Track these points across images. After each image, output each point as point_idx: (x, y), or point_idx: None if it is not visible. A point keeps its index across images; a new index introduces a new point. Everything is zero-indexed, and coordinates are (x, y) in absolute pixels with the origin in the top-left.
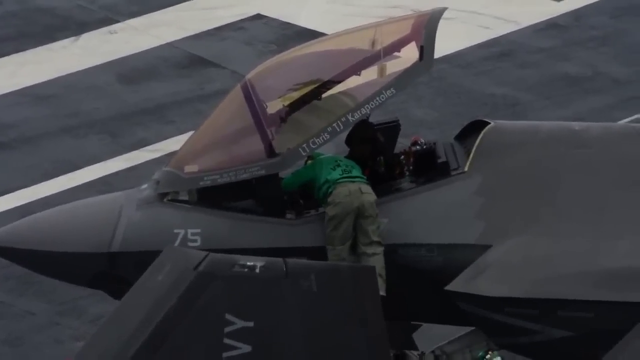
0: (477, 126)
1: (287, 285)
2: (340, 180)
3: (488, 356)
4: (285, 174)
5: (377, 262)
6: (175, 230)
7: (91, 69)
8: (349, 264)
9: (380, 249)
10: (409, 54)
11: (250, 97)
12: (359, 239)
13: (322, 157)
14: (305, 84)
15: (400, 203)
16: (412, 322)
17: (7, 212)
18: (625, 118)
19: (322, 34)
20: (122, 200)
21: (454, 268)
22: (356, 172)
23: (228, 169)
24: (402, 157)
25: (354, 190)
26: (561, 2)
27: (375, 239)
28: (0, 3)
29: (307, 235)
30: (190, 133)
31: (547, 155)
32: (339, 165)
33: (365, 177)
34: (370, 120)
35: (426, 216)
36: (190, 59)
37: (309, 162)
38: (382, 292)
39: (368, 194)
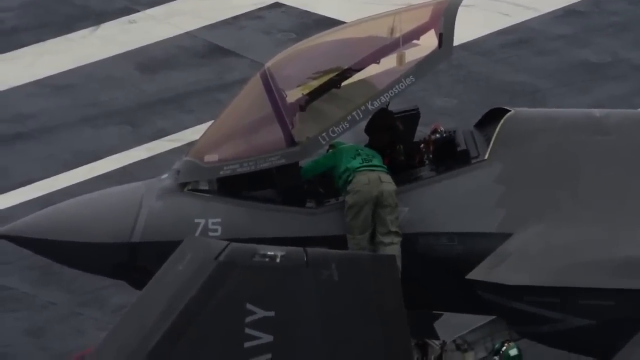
0: (496, 114)
1: (307, 275)
2: (360, 169)
3: (504, 348)
4: (305, 162)
5: (394, 251)
6: (196, 220)
7: (110, 58)
8: (370, 254)
9: (397, 239)
10: (428, 42)
11: (269, 85)
12: (377, 228)
13: (342, 146)
14: (325, 73)
15: (420, 192)
16: (433, 311)
17: (27, 203)
18: None
19: (341, 22)
20: (143, 190)
21: (475, 257)
22: (376, 161)
23: (248, 158)
24: (422, 145)
25: (373, 179)
26: None
27: (393, 228)
28: None
29: (327, 224)
30: (209, 122)
31: (567, 142)
32: (359, 154)
33: (385, 167)
34: (390, 108)
35: (446, 205)
36: (209, 48)
37: (330, 151)
38: None
39: (387, 182)
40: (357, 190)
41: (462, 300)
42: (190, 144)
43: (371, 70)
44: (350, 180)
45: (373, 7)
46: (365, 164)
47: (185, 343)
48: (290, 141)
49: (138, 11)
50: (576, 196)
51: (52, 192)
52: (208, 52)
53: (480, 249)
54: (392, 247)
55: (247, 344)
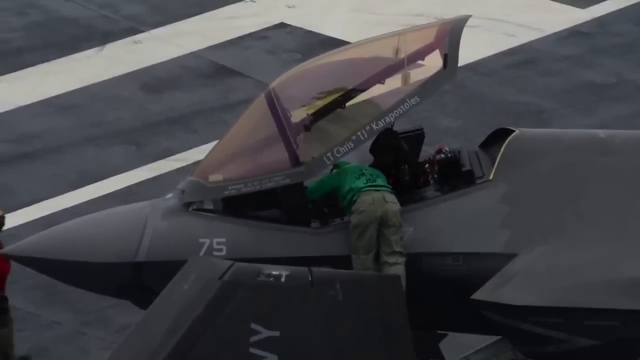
0: (501, 134)
1: (312, 295)
2: (365, 189)
3: None
4: (309, 182)
5: (398, 272)
6: (201, 240)
7: (115, 78)
8: (375, 273)
9: (402, 259)
10: (433, 62)
11: (274, 106)
12: (382, 248)
13: (347, 166)
14: (329, 93)
15: (425, 212)
16: (438, 332)
17: (33, 223)
18: None
19: (345, 43)
20: (148, 209)
21: (480, 277)
22: (381, 181)
23: (253, 178)
24: (427, 165)
25: (377, 199)
26: (585, 10)
27: (398, 249)
28: (25, 13)
29: (332, 244)
30: (214, 142)
31: (572, 163)
32: (363, 174)
33: (389, 186)
34: (395, 128)
35: (451, 225)
36: (214, 68)
37: (334, 170)
38: None
39: (392, 203)
40: (361, 210)
41: (467, 320)
42: (195, 164)
43: (376, 90)
44: (355, 201)
45: (378, 27)
46: (369, 184)
47: None
48: (295, 161)
49: (143, 31)
50: (581, 216)
51: (57, 212)
52: (213, 72)
53: (485, 269)
54: (397, 267)
55: None
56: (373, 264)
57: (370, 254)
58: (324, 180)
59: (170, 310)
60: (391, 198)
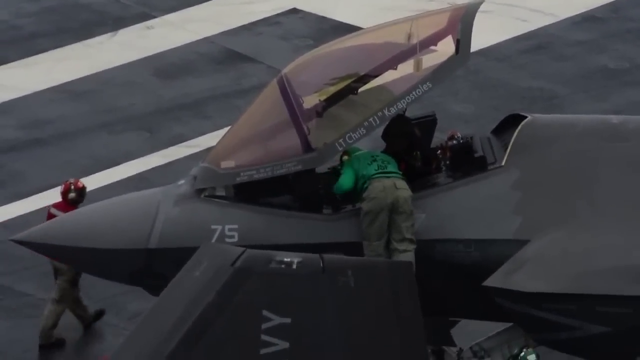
0: (514, 120)
1: (324, 281)
2: (376, 176)
3: (523, 353)
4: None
5: (408, 259)
6: (213, 226)
7: (128, 64)
8: (386, 260)
9: (412, 247)
10: (446, 48)
11: (286, 92)
12: (392, 235)
13: (358, 153)
14: (342, 79)
15: (437, 198)
16: (450, 318)
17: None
18: None
19: (358, 28)
20: (160, 196)
21: (492, 263)
22: (392, 167)
23: (265, 165)
24: (439, 151)
25: (388, 186)
26: None
27: (408, 236)
28: None
29: (344, 231)
30: (226, 128)
31: (585, 149)
32: (375, 161)
33: (401, 173)
34: (407, 114)
35: (463, 211)
36: (226, 54)
37: (345, 157)
38: None
39: (403, 189)
40: (372, 197)
41: (479, 306)
42: (208, 150)
43: (388, 76)
44: (366, 188)
45: (390, 13)
46: (380, 170)
47: (201, 349)
48: (307, 147)
49: (155, 17)
50: (594, 203)
51: None
52: (225, 58)
53: (498, 256)
54: (406, 254)
55: (263, 351)
56: (384, 251)
57: (382, 241)
58: (345, 175)
59: (182, 297)
60: (402, 184)
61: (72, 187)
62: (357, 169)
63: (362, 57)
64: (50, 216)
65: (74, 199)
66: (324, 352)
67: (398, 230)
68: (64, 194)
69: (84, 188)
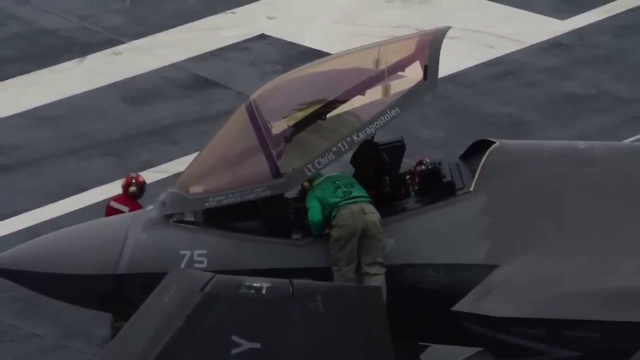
0: (482, 145)
1: (293, 306)
2: (342, 203)
3: None
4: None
5: (379, 282)
6: (182, 252)
7: (96, 90)
8: (355, 285)
9: (382, 270)
10: (413, 74)
11: (254, 117)
12: (362, 259)
13: (318, 180)
14: (310, 104)
15: (406, 223)
16: (419, 343)
17: (12, 235)
18: (629, 137)
19: (326, 54)
20: (128, 221)
21: (461, 288)
22: (356, 191)
23: (233, 190)
24: (408, 176)
25: (356, 211)
26: (565, 21)
27: (379, 259)
28: (5, 25)
29: (313, 256)
30: (195, 154)
31: (552, 174)
32: (338, 187)
33: (366, 194)
34: (375, 140)
35: (432, 236)
36: (194, 80)
37: (305, 184)
38: None
39: (371, 213)
40: (342, 224)
41: (448, 331)
42: (176, 176)
43: (357, 101)
44: (334, 215)
45: (358, 38)
46: (346, 197)
47: None
48: (276, 173)
49: (123, 43)
50: (561, 228)
51: (37, 224)
52: (193, 83)
53: (466, 281)
54: (377, 278)
55: None
56: (354, 275)
57: (351, 266)
58: (312, 209)
59: (151, 322)
60: (370, 208)
61: (134, 181)
62: (322, 198)
63: (330, 83)
64: (110, 210)
65: (134, 192)
66: None
67: (368, 254)
68: (125, 187)
69: (144, 183)
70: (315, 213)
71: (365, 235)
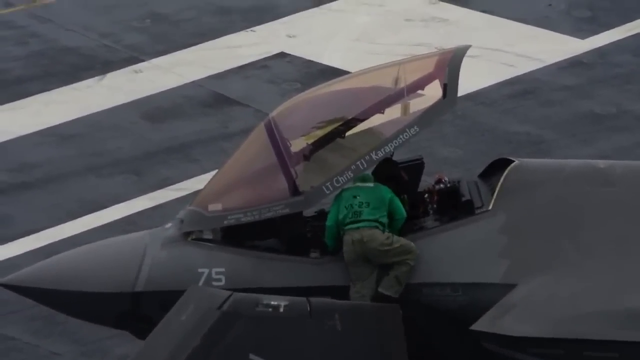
0: (501, 164)
1: (311, 325)
2: (347, 228)
3: None
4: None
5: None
6: (200, 270)
7: (116, 108)
8: (374, 304)
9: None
10: (433, 92)
11: (274, 135)
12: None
13: (344, 191)
14: (329, 122)
15: (424, 242)
16: None
17: (32, 252)
18: None
19: (345, 72)
20: (147, 239)
21: (479, 307)
22: (368, 212)
23: (252, 208)
24: (426, 195)
25: (356, 240)
26: (585, 40)
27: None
28: (26, 43)
29: (331, 274)
30: (214, 172)
31: (572, 193)
32: (352, 205)
33: (378, 217)
34: (394, 158)
35: (451, 255)
36: (214, 98)
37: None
38: None
39: (371, 241)
40: (345, 249)
41: (466, 351)
42: (195, 193)
43: (375, 120)
44: (342, 235)
45: (378, 57)
46: (352, 220)
47: None
48: (294, 191)
49: (144, 61)
50: (580, 247)
51: (56, 242)
52: (213, 101)
53: (485, 300)
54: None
55: None
56: (370, 293)
57: (365, 283)
58: (330, 212)
59: (168, 340)
60: (370, 236)
61: None
62: (338, 208)
63: (349, 101)
64: None
65: None
66: None
67: (381, 277)
68: None
69: None
70: (330, 217)
71: (373, 261)
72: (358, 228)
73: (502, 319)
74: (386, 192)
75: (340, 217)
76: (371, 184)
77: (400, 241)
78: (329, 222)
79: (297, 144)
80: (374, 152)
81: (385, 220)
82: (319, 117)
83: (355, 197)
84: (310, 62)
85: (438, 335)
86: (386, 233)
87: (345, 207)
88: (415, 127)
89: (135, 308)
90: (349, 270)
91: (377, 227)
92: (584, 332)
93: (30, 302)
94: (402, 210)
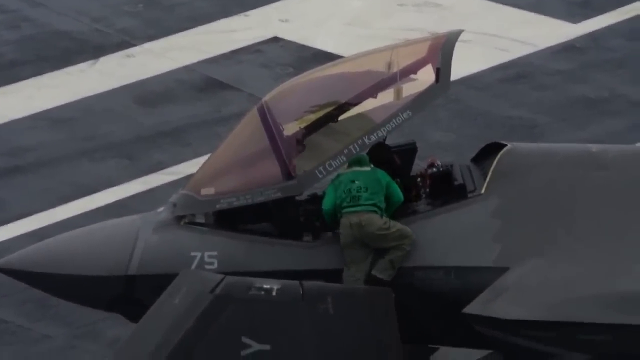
0: (494, 148)
1: (303, 308)
2: (344, 211)
3: None
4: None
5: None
6: (192, 253)
7: (108, 92)
8: (366, 287)
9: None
10: (426, 76)
11: (266, 119)
12: (373, 262)
13: (342, 175)
14: (322, 107)
15: (417, 225)
16: (430, 345)
17: (24, 236)
18: None
19: (338, 57)
20: (139, 223)
21: (472, 291)
22: (366, 196)
23: (244, 192)
24: (419, 179)
25: (354, 223)
26: (578, 25)
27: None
28: (18, 27)
29: (323, 258)
30: (207, 156)
31: (564, 177)
32: (350, 190)
33: (377, 201)
34: (387, 142)
35: (443, 238)
36: (207, 82)
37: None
38: None
39: (369, 225)
40: (341, 232)
41: (459, 334)
42: (188, 178)
43: (368, 104)
44: (339, 218)
45: (371, 41)
46: (352, 203)
47: None
48: (287, 175)
49: (136, 45)
50: (573, 231)
51: (49, 225)
52: (206, 85)
53: (477, 283)
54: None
55: None
56: (363, 276)
57: (360, 266)
58: (328, 197)
59: (161, 323)
60: (368, 220)
61: None
62: (336, 193)
63: (342, 85)
64: None
65: None
66: None
67: (376, 260)
68: None
69: None
70: (327, 201)
71: (370, 244)
72: (356, 212)
73: (494, 302)
74: (383, 176)
75: (338, 200)
76: (368, 168)
77: (397, 226)
78: (325, 207)
79: (290, 128)
80: (366, 136)
81: (383, 204)
82: (312, 102)
83: (353, 181)
84: (303, 47)
85: (431, 318)
86: (384, 218)
87: (344, 191)
88: (408, 112)
89: (127, 291)
90: (344, 254)
91: (375, 212)
92: (576, 315)
93: (22, 285)
94: (399, 194)
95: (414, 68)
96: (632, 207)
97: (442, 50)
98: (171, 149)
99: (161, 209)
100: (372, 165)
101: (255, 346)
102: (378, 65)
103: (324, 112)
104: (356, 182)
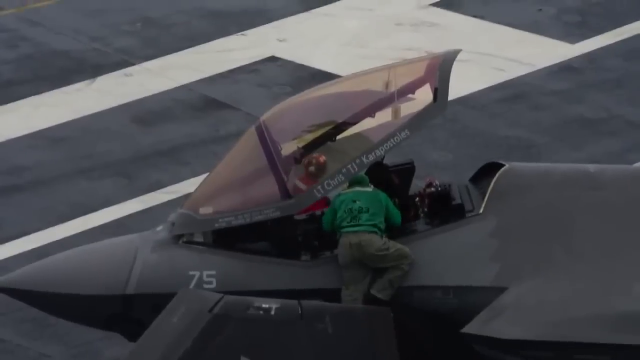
0: (491, 168)
1: (302, 327)
2: (344, 231)
3: None
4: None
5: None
6: (191, 272)
7: (106, 111)
8: (364, 306)
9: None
10: (423, 96)
11: (264, 138)
12: (371, 282)
13: (344, 192)
14: (320, 126)
15: (415, 245)
16: None
17: (22, 255)
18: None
19: (336, 76)
20: (138, 242)
21: (470, 310)
22: (366, 217)
23: (243, 211)
24: (417, 199)
25: (354, 244)
26: (575, 45)
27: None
28: (16, 46)
29: (322, 277)
30: (205, 175)
31: (562, 197)
32: (351, 210)
33: (376, 222)
34: (385, 162)
35: (442, 258)
36: (205, 101)
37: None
38: None
39: (368, 245)
40: (340, 252)
41: (457, 353)
42: (186, 197)
43: (366, 123)
44: (338, 239)
45: (368, 61)
46: (352, 223)
47: None
48: (285, 194)
49: (134, 64)
50: (571, 250)
51: (47, 244)
52: (204, 105)
53: (476, 303)
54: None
55: None
56: (362, 296)
57: (358, 286)
58: (326, 214)
59: (159, 342)
60: (367, 240)
61: (314, 161)
62: (337, 212)
63: (340, 105)
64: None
65: (313, 172)
66: None
67: (376, 278)
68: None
69: (325, 164)
70: (325, 219)
71: (369, 264)
72: (356, 232)
73: (493, 321)
74: (384, 198)
75: (338, 220)
76: (370, 188)
77: (396, 246)
78: (325, 226)
79: (288, 148)
80: (364, 156)
81: (383, 225)
82: (309, 121)
83: (355, 201)
84: (300, 66)
85: (429, 338)
86: (384, 238)
87: (345, 210)
88: (406, 131)
89: (126, 310)
90: (343, 273)
91: (375, 232)
92: (574, 334)
93: (20, 304)
94: (396, 218)
95: (411, 87)
96: (629, 227)
97: (439, 69)
98: (169, 168)
99: (159, 228)
100: (372, 186)
101: None
102: (376, 85)
103: (322, 131)
104: (357, 202)
